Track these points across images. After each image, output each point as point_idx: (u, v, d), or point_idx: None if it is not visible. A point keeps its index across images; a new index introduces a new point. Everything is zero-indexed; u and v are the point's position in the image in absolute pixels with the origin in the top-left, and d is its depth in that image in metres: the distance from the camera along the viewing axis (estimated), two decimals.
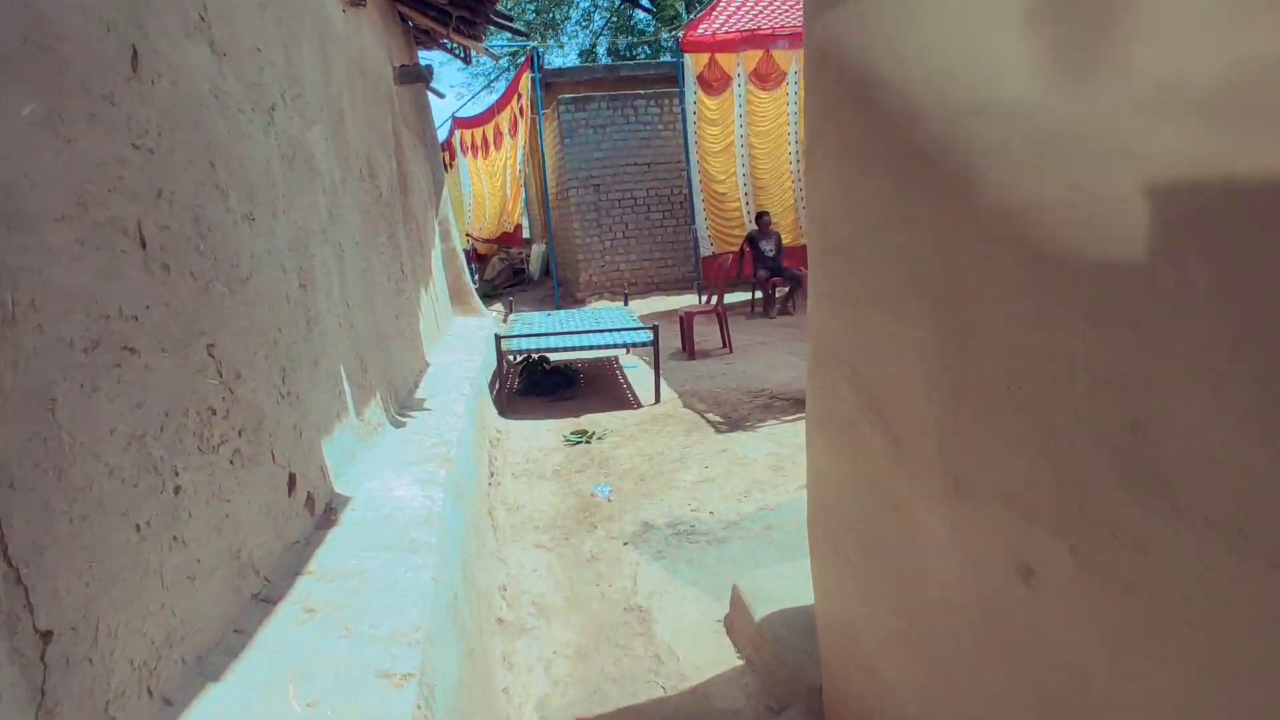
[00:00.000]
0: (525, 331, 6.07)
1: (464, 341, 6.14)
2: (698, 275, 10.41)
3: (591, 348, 5.63)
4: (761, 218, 9.35)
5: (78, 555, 1.12)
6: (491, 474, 4.14)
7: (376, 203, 4.20)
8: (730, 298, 8.18)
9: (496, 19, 6.24)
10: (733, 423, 5.02)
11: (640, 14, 20.71)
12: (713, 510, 3.65)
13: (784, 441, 4.55)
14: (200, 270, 1.62)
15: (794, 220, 10.52)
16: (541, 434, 5.14)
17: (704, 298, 10.16)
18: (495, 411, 5.47)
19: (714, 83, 9.79)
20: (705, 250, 10.28)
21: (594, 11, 21.33)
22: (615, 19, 20.97)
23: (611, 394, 6.11)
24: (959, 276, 1.28)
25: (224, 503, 1.60)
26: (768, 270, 9.21)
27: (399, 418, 3.56)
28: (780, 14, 8.95)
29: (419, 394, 4.15)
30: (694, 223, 10.24)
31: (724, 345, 7.39)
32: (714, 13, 8.56)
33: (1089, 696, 1.10)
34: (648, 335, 5.61)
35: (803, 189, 10.48)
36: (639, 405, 5.66)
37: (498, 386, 5.80)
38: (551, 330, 6.03)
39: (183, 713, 1.29)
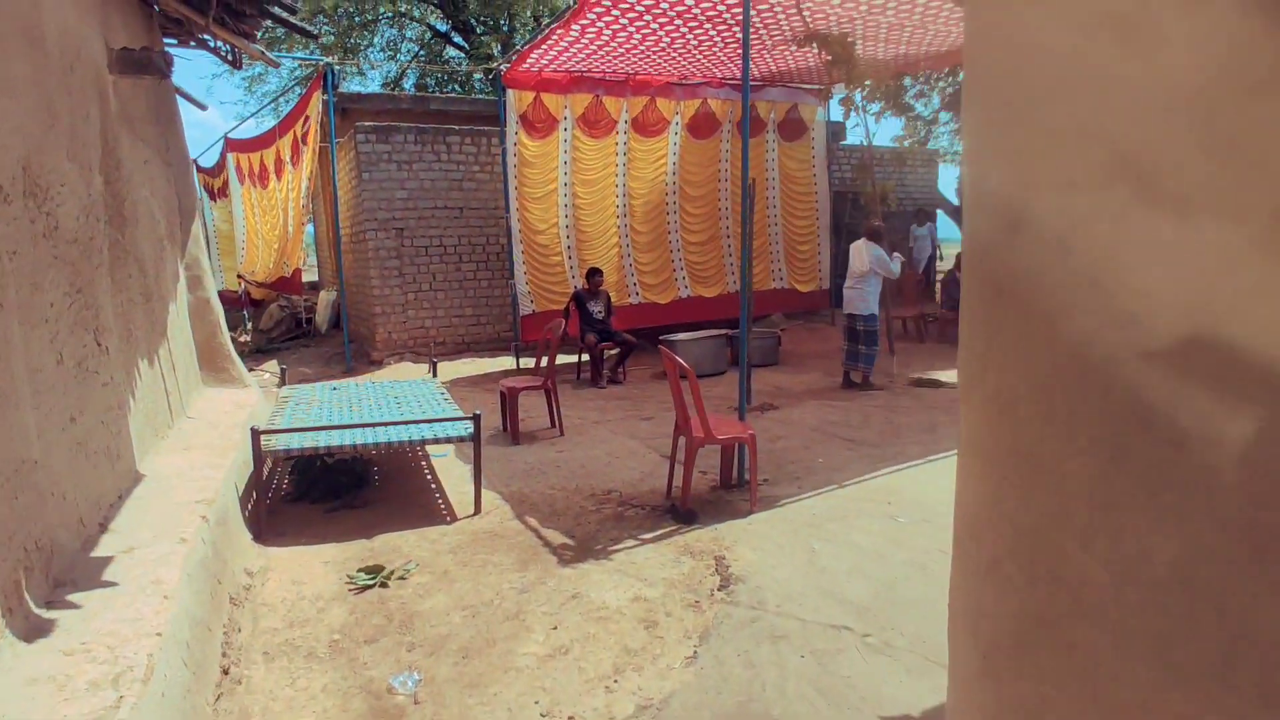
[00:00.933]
0: (298, 422, 4.58)
1: (212, 429, 4.52)
2: (516, 336, 9.27)
3: (390, 443, 4.29)
4: (593, 275, 8.46)
5: None
6: (226, 670, 2.69)
7: (45, 239, 2.68)
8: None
9: (273, 11, 4.85)
10: (580, 546, 3.92)
11: (452, 50, 19.50)
12: (574, 718, 2.50)
13: (650, 576, 3.52)
14: None
15: (620, 279, 9.77)
16: (316, 570, 3.69)
17: (520, 359, 9.08)
18: (250, 536, 3.92)
19: (538, 124, 8.86)
20: (525, 308, 9.19)
21: (400, 42, 19.79)
22: (424, 52, 19.57)
23: (416, 499, 4.76)
24: None
25: None
26: (597, 334, 8.30)
27: (43, 613, 2.08)
28: (613, 59, 8.26)
29: (105, 544, 2.63)
30: (513, 276, 9.13)
31: (553, 425, 6.30)
32: (542, 48, 7.67)
33: None
34: (466, 427, 4.38)
35: (631, 244, 9.80)
36: (454, 517, 4.38)
37: (255, 497, 4.25)
38: (333, 422, 4.59)
39: None
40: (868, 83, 7.68)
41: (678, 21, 6.97)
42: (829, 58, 7.82)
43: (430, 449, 5.47)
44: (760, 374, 8.62)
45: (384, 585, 3.48)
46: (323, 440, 4.11)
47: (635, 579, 3.50)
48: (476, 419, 4.30)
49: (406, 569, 3.63)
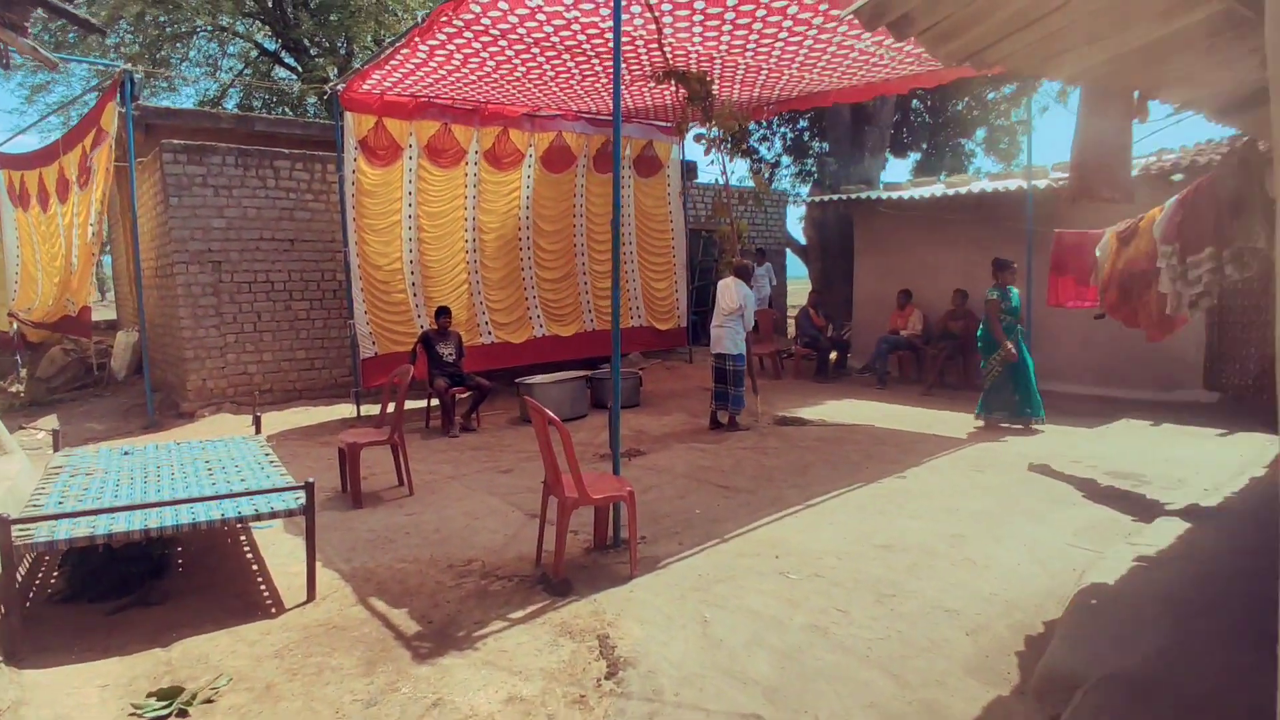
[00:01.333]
0: (70, 500, 3.67)
1: None
2: (356, 381, 8.39)
3: (195, 524, 3.49)
4: (441, 315, 7.82)
5: None
6: None
7: None
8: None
9: None
10: (439, 634, 3.33)
11: (283, 71, 18.07)
12: None
13: (525, 668, 3.02)
14: None
15: (471, 318, 9.16)
16: (90, 698, 2.86)
17: (361, 407, 8.21)
18: None
19: (380, 151, 8.17)
20: (366, 351, 8.35)
21: (221, 59, 18.07)
22: (250, 71, 17.99)
23: (232, 587, 3.95)
24: None
25: None
26: (447, 378, 7.65)
27: None
28: (464, 85, 7.77)
29: None
30: (351, 316, 8.28)
31: (401, 483, 5.61)
32: (386, 68, 7.05)
33: None
34: (297, 499, 3.68)
35: (481, 281, 9.24)
36: (281, 608, 3.64)
37: (2, 603, 3.30)
38: (119, 499, 3.72)
39: None
40: (733, 123, 7.71)
41: (534, 50, 6.63)
42: (686, 95, 7.78)
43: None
44: (623, 416, 8.32)
45: (182, 715, 2.73)
46: (101, 527, 3.26)
47: (508, 672, 2.98)
48: (309, 489, 3.61)
49: (215, 687, 2.89)
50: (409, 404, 6.44)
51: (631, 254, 10.59)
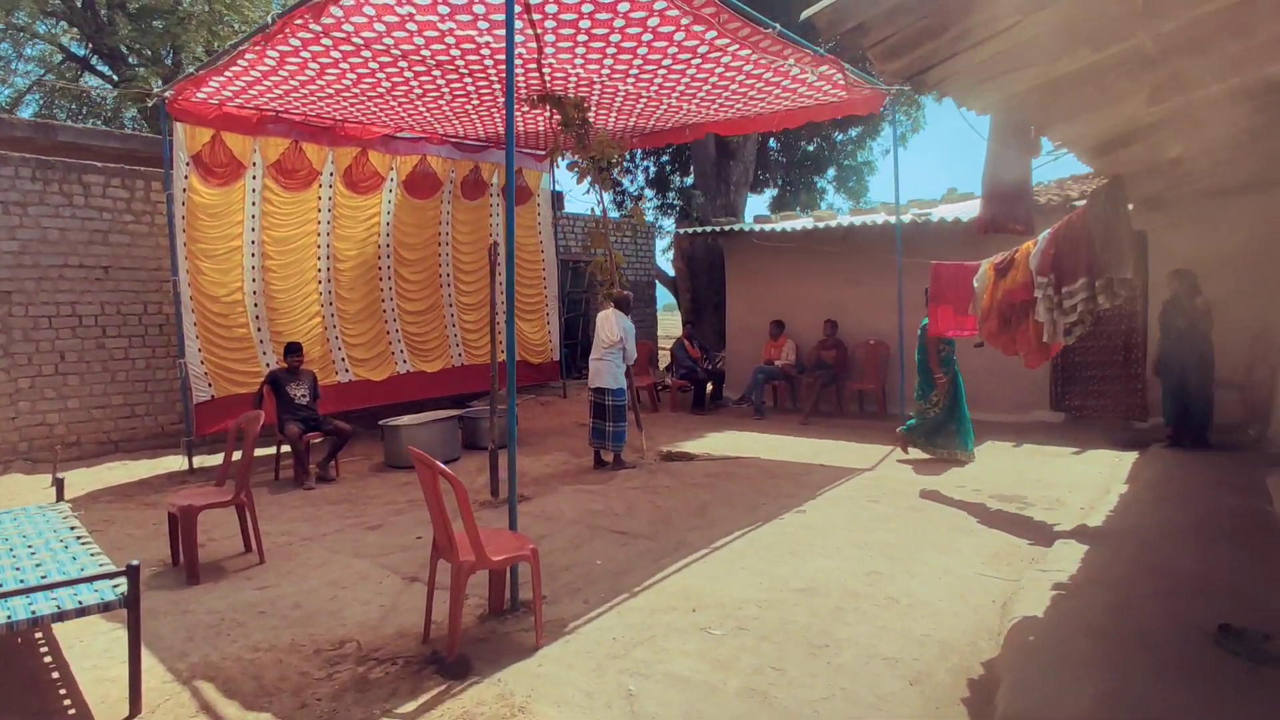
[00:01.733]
0: None
1: None
2: (189, 429, 7.29)
3: None
4: (293, 352, 6.96)
5: None
6: None
7: None
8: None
9: None
10: None
11: (95, 79, 16.06)
12: None
13: None
14: None
15: (325, 354, 8.30)
16: None
17: (194, 459, 7.11)
18: None
19: (218, 169, 7.24)
20: (201, 393, 7.29)
21: (17, 61, 15.80)
22: (53, 77, 15.84)
23: (22, 703, 3.08)
24: None
25: None
26: (300, 423, 6.79)
27: None
28: (319, 100, 7.06)
29: None
30: (182, 354, 7.21)
31: (249, 549, 4.79)
32: (226, 75, 6.23)
33: None
34: (115, 589, 2.92)
35: (336, 314, 8.41)
36: None
37: None
38: None
39: None
40: (611, 151, 7.49)
41: (402, 64, 6.10)
42: (560, 121, 7.49)
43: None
44: (500, 456, 7.78)
45: None
46: None
47: None
48: (132, 576, 2.87)
49: None
50: (257, 451, 5.58)
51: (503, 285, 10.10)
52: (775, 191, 18.73)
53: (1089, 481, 5.88)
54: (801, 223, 10.06)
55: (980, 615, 3.56)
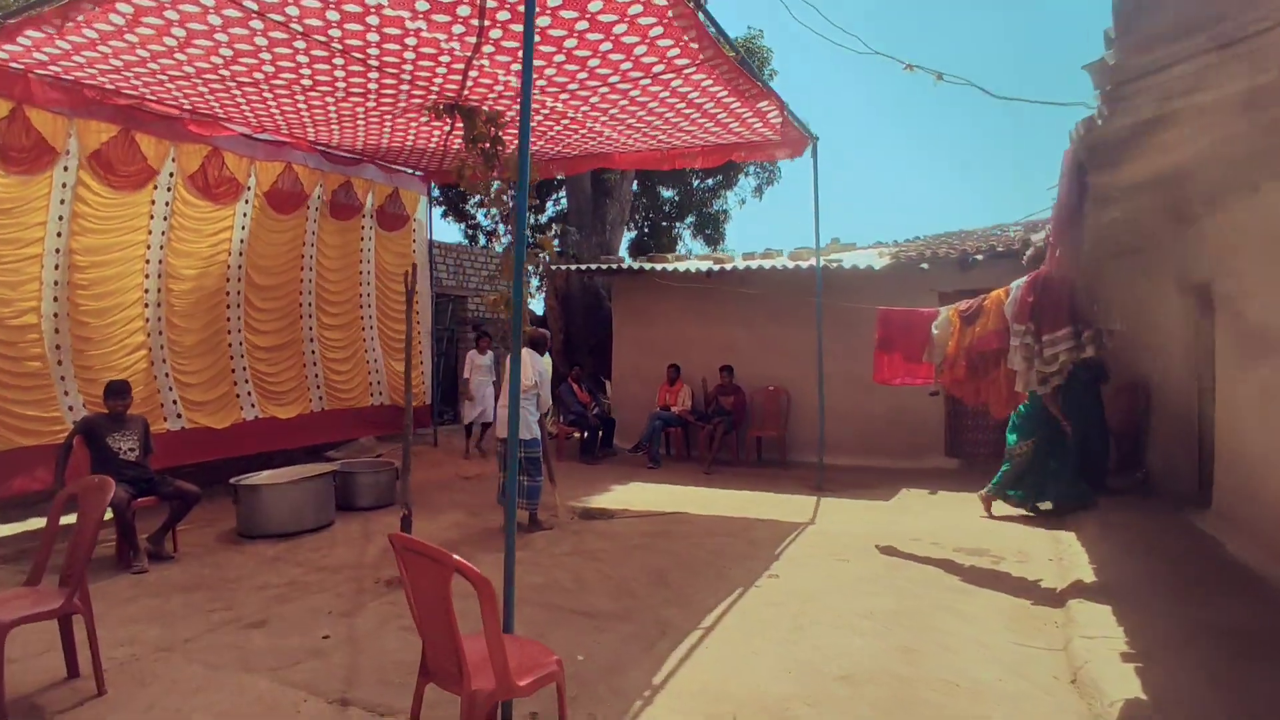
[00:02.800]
0: None
1: None
2: None
3: None
4: (116, 394, 5.41)
5: None
6: None
7: None
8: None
9: None
10: None
11: None
12: None
13: None
14: None
15: (152, 395, 6.65)
16: None
17: None
18: None
19: (16, 153, 5.57)
20: None
21: None
22: None
23: None
24: None
25: None
26: (130, 485, 5.25)
27: None
28: (164, 81, 5.66)
29: None
30: None
31: (75, 674, 3.41)
32: (38, 31, 4.72)
33: None
34: None
35: (168, 345, 6.78)
36: None
37: None
38: None
39: None
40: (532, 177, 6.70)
41: (299, 43, 5.00)
42: (466, 137, 6.63)
43: None
44: (380, 519, 6.56)
45: None
46: None
47: None
48: None
49: None
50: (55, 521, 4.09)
51: (371, 320, 8.82)
52: (634, 234, 18.65)
53: (1031, 533, 5.88)
54: (700, 264, 9.78)
55: (1056, 696, 3.19)
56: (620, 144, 7.58)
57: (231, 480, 6.16)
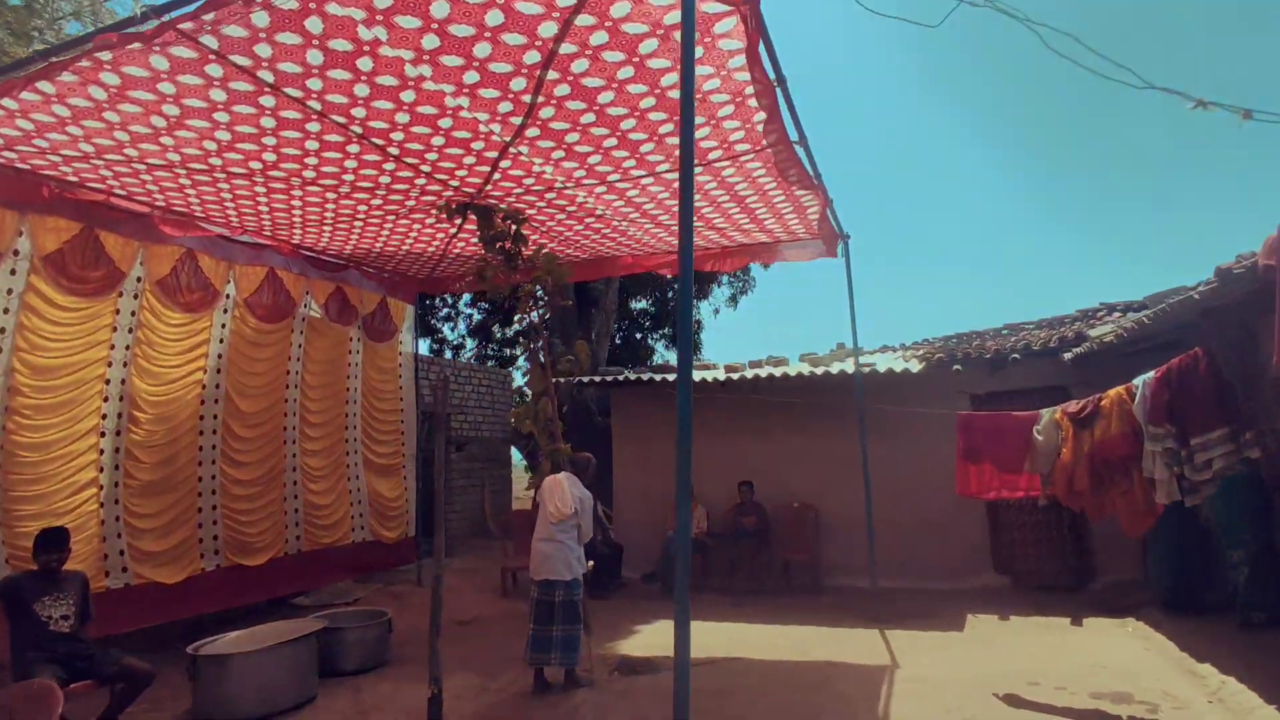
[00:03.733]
0: None
1: None
2: None
3: None
4: (52, 545, 4.30)
5: None
6: None
7: None
8: None
9: None
10: None
11: None
12: None
13: None
14: None
15: (95, 547, 5.44)
16: None
17: None
18: None
19: None
20: None
21: None
22: None
23: None
24: None
25: None
26: (60, 665, 4.06)
27: None
28: (129, 171, 4.89)
29: None
30: None
31: None
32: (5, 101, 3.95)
33: None
34: None
35: (123, 482, 5.64)
36: None
37: None
38: None
39: None
40: (561, 276, 6.02)
41: (312, 125, 4.34)
42: (482, 238, 6.00)
43: None
44: (373, 688, 5.36)
45: None
46: None
47: None
48: None
49: None
50: None
51: (355, 443, 7.80)
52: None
53: (1153, 664, 5.10)
54: (713, 373, 9.15)
55: None
56: (641, 245, 7.07)
57: (189, 649, 4.95)
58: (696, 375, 8.99)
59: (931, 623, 6.59)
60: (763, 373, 8.68)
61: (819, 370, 8.32)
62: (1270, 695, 4.16)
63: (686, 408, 2.57)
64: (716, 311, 18.39)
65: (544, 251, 6.11)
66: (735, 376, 8.74)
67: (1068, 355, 7.36)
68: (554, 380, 10.68)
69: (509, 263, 5.98)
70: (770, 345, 46.75)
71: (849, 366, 8.14)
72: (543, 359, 6.20)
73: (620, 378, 9.45)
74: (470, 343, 17.84)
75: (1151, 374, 4.21)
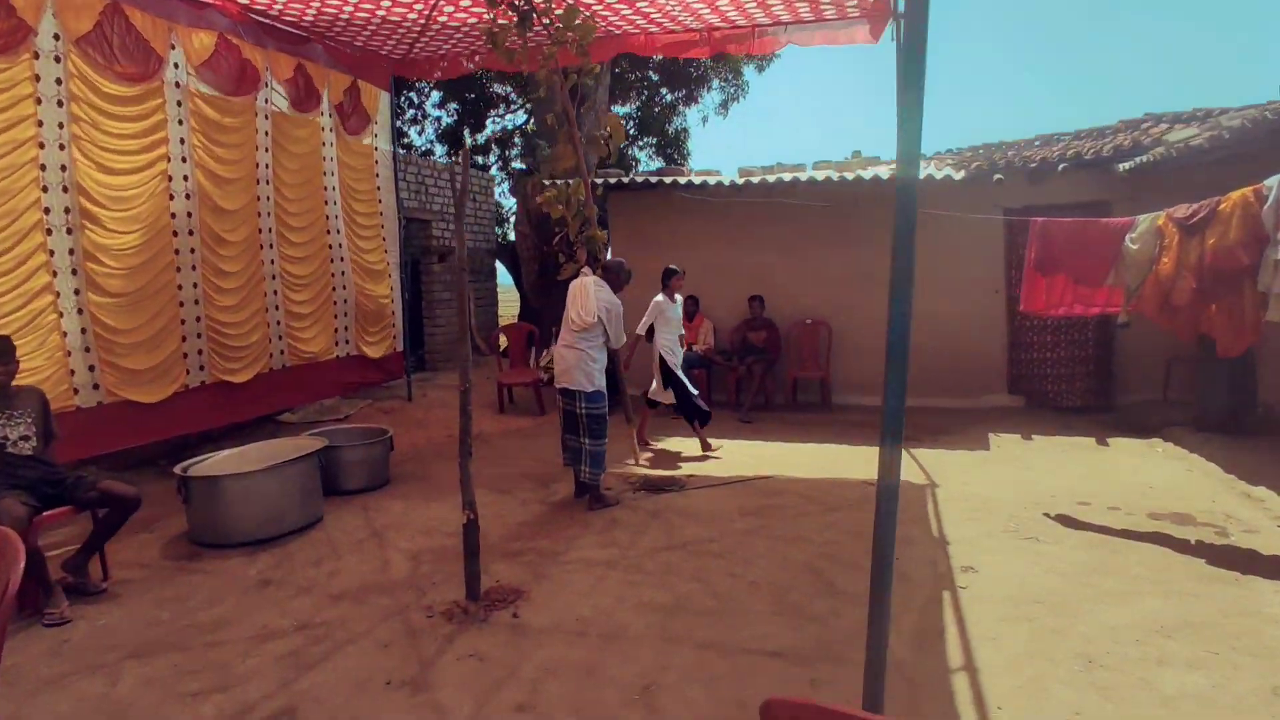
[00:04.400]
0: None
1: None
2: None
3: None
4: None
5: None
6: None
7: None
8: None
9: None
10: None
11: None
12: None
13: None
14: None
15: (58, 360, 4.74)
16: None
17: None
18: None
19: None
20: None
21: None
22: None
23: None
24: None
25: None
26: (26, 491, 3.56)
27: None
28: None
29: None
30: None
31: None
32: None
33: None
34: None
35: (86, 289, 4.85)
36: None
37: None
38: None
39: None
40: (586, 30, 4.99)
41: None
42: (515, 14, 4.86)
43: None
44: (381, 506, 5.03)
45: None
46: None
47: None
48: None
49: None
50: None
51: (341, 248, 6.97)
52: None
53: (1203, 485, 4.96)
54: (724, 177, 8.31)
55: None
56: (655, 22, 5.99)
57: (177, 469, 4.47)
58: (716, 180, 8.15)
59: (955, 441, 6.43)
60: (786, 177, 7.87)
61: (851, 175, 7.55)
62: None
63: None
64: (705, 120, 17.02)
65: (567, 5, 5.00)
66: (754, 181, 7.94)
67: (1125, 165, 6.70)
68: (553, 182, 9.79)
69: (522, 23, 4.91)
70: (758, 155, 44.74)
71: (883, 173, 7.40)
72: (575, 135, 5.33)
73: (625, 179, 8.55)
74: (439, 148, 16.35)
75: None
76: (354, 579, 3.83)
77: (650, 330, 6.31)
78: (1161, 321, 4.21)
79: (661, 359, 6.26)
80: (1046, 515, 4.46)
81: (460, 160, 3.66)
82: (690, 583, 3.69)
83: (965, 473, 5.49)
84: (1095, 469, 5.47)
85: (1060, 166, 7.00)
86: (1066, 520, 4.36)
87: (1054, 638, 3.03)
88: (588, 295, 4.86)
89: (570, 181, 5.40)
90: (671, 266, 6.38)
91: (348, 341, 7.10)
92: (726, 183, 7.91)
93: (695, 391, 6.29)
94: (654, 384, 6.42)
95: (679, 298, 6.45)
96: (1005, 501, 4.75)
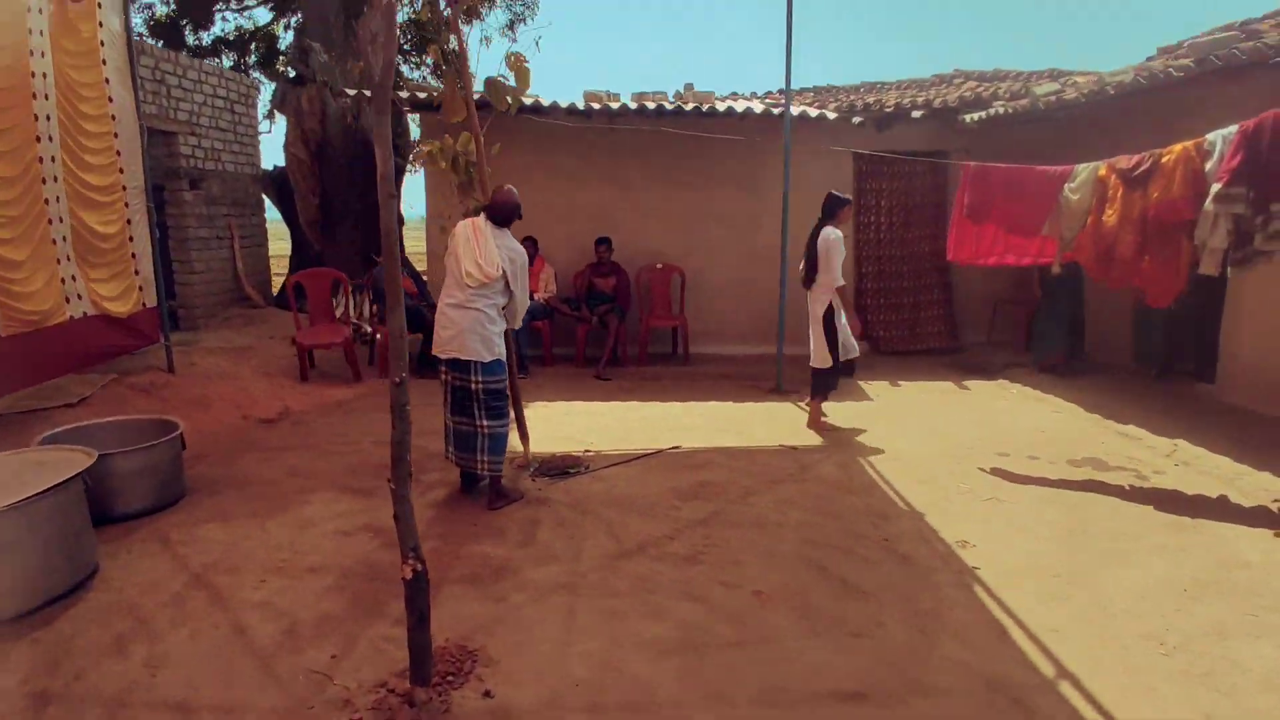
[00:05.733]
0: None
1: None
2: None
3: None
4: None
5: None
6: None
7: None
8: None
9: None
10: None
11: None
12: None
13: None
14: None
15: None
16: None
17: None
18: None
19: None
20: None
21: None
22: None
23: None
24: None
25: None
26: None
27: None
28: None
29: None
30: None
31: None
32: None
33: None
34: None
35: None
36: None
37: None
38: None
39: None
40: None
41: None
42: None
43: None
44: (188, 534, 3.59)
45: None
46: None
47: None
48: None
49: None
50: None
51: (55, 165, 4.81)
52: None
53: (1083, 427, 5.22)
54: (564, 101, 7.24)
55: None
56: None
57: None
58: (561, 103, 7.06)
59: (836, 392, 6.29)
60: (650, 106, 7.06)
61: (721, 108, 6.96)
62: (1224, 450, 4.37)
63: None
64: (486, 41, 15.44)
65: None
66: (597, 107, 7.03)
67: (971, 117, 6.89)
68: (343, 96, 8.04)
69: None
70: (559, 88, 42.13)
71: (739, 107, 6.92)
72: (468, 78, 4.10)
73: (431, 97, 7.13)
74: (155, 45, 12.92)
75: (1232, 129, 3.65)
76: (197, 669, 2.52)
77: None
78: (1096, 272, 4.20)
79: (832, 309, 5.10)
80: (982, 470, 4.37)
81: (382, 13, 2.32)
82: (682, 602, 2.95)
83: (871, 427, 5.32)
84: (980, 414, 5.60)
85: (914, 113, 7.06)
86: (1004, 474, 4.30)
87: (1102, 616, 2.80)
88: (486, 241, 3.76)
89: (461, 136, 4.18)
90: (838, 193, 5.07)
91: (80, 296, 5.05)
92: (570, 106, 6.92)
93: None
94: (838, 340, 5.18)
95: None
96: (931, 457, 4.61)
